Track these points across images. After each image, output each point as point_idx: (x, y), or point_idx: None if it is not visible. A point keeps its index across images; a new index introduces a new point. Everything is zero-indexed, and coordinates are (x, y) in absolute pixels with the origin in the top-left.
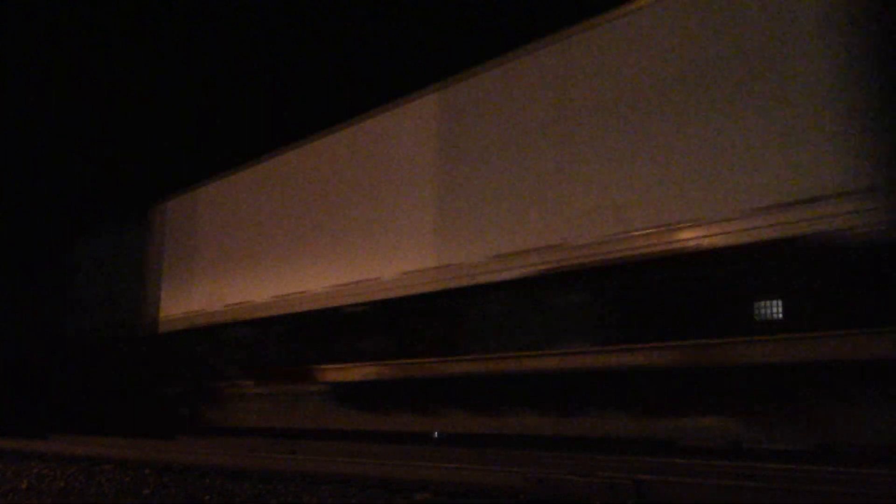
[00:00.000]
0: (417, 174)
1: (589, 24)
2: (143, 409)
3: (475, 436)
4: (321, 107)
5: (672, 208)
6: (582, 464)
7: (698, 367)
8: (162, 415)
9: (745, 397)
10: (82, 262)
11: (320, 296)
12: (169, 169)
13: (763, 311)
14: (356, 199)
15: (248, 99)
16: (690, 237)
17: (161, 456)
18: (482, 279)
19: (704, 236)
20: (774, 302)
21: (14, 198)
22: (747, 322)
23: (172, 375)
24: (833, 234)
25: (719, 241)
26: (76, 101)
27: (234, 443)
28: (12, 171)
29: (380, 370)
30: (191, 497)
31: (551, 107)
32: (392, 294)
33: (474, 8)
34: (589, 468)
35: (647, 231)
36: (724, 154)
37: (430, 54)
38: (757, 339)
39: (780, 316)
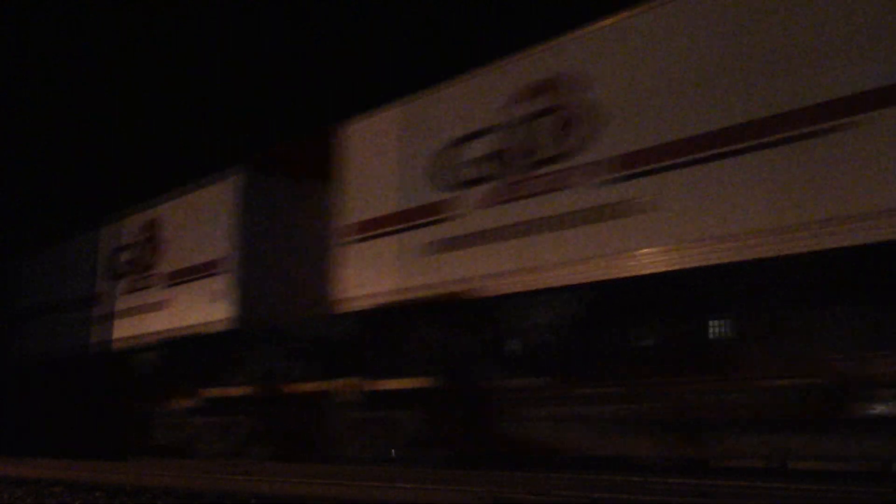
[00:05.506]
0: None
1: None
2: (93, 430)
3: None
4: None
5: None
6: (539, 482)
7: None
8: (113, 435)
9: None
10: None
11: None
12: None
13: None
14: None
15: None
16: None
17: (112, 478)
18: None
19: None
20: None
21: None
22: None
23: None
24: None
25: None
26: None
27: (187, 464)
28: None
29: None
30: None
31: None
32: None
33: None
34: (545, 487)
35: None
36: None
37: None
38: None
39: None
